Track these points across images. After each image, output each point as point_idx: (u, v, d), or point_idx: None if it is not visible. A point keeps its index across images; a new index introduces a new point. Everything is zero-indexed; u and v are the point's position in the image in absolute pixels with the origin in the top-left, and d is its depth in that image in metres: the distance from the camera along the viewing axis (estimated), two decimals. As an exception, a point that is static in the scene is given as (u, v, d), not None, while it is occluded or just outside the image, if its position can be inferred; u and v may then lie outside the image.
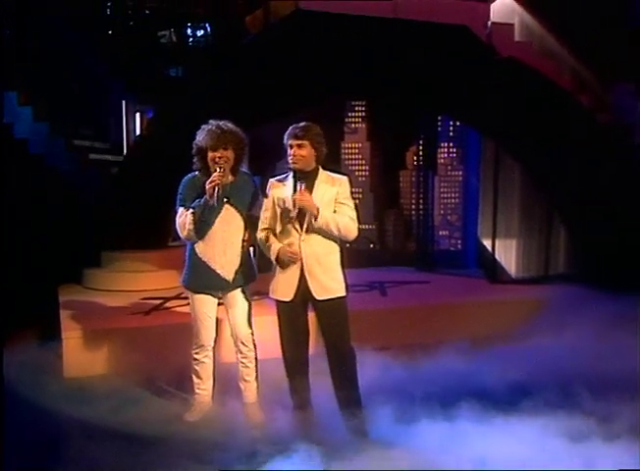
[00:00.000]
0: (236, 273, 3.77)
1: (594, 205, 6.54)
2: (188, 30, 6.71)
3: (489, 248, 7.26)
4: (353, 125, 8.69)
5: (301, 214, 3.53)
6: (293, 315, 3.62)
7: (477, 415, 3.70)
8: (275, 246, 3.60)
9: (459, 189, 8.24)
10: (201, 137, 3.67)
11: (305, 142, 3.52)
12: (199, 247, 3.75)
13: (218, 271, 3.74)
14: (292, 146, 3.54)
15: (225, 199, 3.69)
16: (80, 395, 4.26)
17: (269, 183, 3.72)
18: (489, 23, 6.07)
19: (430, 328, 5.65)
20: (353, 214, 3.59)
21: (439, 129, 8.29)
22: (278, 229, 3.63)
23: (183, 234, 3.70)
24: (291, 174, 3.64)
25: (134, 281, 6.23)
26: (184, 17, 6.63)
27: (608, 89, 6.65)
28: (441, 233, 8.34)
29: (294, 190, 3.51)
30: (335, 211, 3.58)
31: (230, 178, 3.75)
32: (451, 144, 8.28)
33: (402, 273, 7.57)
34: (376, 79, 6.33)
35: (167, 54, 6.61)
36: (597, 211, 6.54)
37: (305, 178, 3.56)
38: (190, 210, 3.65)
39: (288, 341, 3.67)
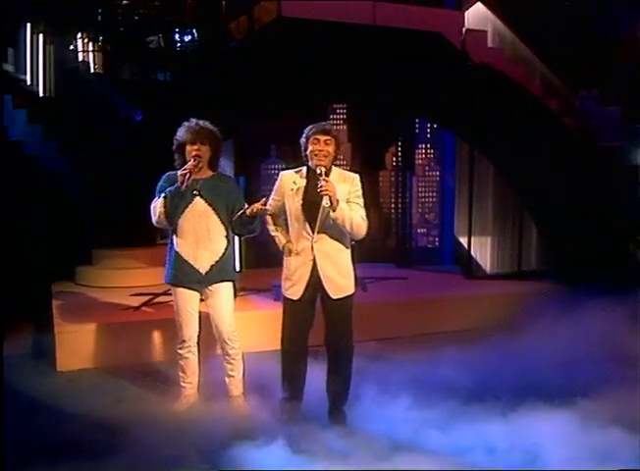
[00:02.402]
0: (211, 267, 3.80)
1: (562, 204, 6.68)
2: (176, 36, 6.83)
3: (465, 245, 7.37)
4: (335, 126, 8.76)
5: (313, 215, 3.49)
6: (299, 311, 3.61)
7: (458, 408, 3.79)
8: (281, 239, 3.66)
9: (436, 189, 8.28)
10: (181, 133, 3.79)
11: (332, 139, 3.53)
12: (176, 240, 3.82)
13: (191, 262, 3.78)
14: (319, 141, 3.50)
15: (194, 191, 3.75)
16: (72, 388, 4.38)
17: (281, 175, 3.71)
18: (463, 29, 6.17)
19: (409, 321, 5.79)
20: (364, 213, 3.56)
21: (416, 131, 8.32)
22: (290, 230, 3.62)
23: (154, 218, 3.77)
24: (304, 168, 3.62)
25: (124, 277, 6.30)
26: (171, 23, 6.74)
27: (574, 95, 6.81)
28: (419, 230, 8.35)
29: (316, 181, 3.40)
30: None
31: (208, 173, 3.84)
32: (428, 146, 8.29)
33: (382, 269, 7.62)
34: (356, 83, 6.39)
35: (155, 58, 6.71)
36: (565, 210, 6.68)
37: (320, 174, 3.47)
38: (162, 195, 3.73)
39: (289, 334, 3.66)
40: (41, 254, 5.74)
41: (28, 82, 7.52)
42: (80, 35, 6.87)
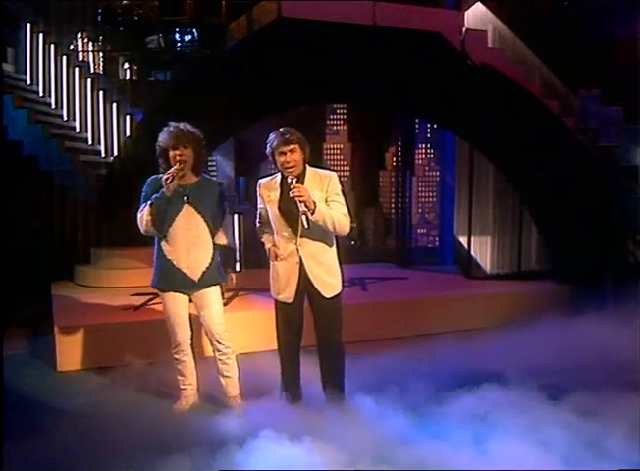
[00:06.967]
0: (203, 273, 3.78)
1: (562, 204, 6.68)
2: (176, 36, 6.84)
3: (465, 245, 7.35)
4: (335, 126, 8.77)
5: (293, 220, 3.50)
6: (290, 312, 3.66)
7: (459, 408, 3.76)
8: (267, 243, 3.72)
9: (436, 189, 8.33)
10: (162, 138, 3.69)
11: (296, 146, 3.49)
12: (165, 247, 3.76)
13: (184, 270, 3.75)
14: (284, 153, 3.46)
15: (185, 198, 3.70)
16: (72, 388, 4.37)
17: (258, 184, 3.72)
18: (463, 30, 6.14)
19: (409, 321, 5.80)
20: (345, 210, 3.55)
21: (416, 131, 8.39)
22: (275, 235, 3.65)
23: (142, 227, 3.71)
24: (279, 175, 3.62)
25: (124, 277, 6.29)
26: (171, 23, 6.75)
27: (574, 95, 6.81)
28: (419, 230, 8.45)
29: (289, 188, 3.41)
30: None
31: (193, 178, 3.76)
32: (427, 146, 8.38)
33: (382, 269, 7.68)
34: (356, 84, 6.39)
35: (155, 59, 6.73)
36: (565, 210, 6.68)
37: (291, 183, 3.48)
38: (149, 202, 3.66)
39: (283, 336, 3.71)
40: (41, 254, 5.74)
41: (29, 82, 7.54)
42: (80, 35, 6.88)
